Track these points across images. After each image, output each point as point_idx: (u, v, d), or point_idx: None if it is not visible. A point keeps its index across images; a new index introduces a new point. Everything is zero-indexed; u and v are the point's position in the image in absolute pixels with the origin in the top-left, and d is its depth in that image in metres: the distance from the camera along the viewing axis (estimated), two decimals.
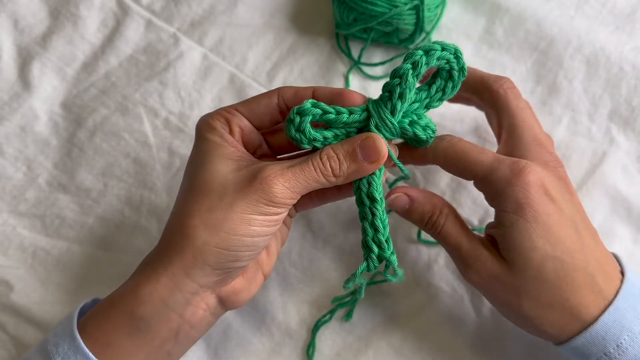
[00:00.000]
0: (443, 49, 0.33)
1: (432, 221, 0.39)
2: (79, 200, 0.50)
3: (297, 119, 0.33)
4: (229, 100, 0.53)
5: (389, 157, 0.36)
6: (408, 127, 0.36)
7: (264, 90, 0.53)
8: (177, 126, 0.52)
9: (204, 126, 0.36)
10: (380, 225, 0.35)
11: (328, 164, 0.34)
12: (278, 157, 0.40)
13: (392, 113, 0.34)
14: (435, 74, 0.36)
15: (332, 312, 0.45)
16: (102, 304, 0.35)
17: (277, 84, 0.54)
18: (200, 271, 0.33)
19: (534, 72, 0.52)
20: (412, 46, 0.46)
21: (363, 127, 0.35)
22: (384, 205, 0.35)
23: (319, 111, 0.33)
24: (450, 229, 0.38)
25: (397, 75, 0.34)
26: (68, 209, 0.50)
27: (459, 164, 0.38)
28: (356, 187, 0.35)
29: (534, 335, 0.38)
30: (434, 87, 0.36)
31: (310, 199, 0.39)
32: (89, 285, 0.48)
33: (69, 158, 0.52)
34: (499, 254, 0.36)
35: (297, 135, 0.34)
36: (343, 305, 0.45)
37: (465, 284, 0.46)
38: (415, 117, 0.36)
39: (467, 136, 0.50)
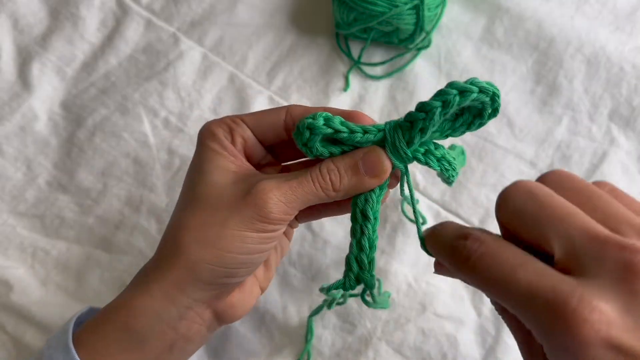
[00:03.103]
0: (480, 91, 0.29)
1: None
2: (78, 200, 0.50)
3: (307, 134, 0.31)
4: (229, 100, 0.53)
5: (395, 178, 0.34)
6: (422, 157, 0.33)
7: (263, 90, 0.53)
8: (176, 126, 0.52)
9: (206, 133, 0.34)
10: (367, 245, 0.33)
11: (328, 177, 0.32)
12: (283, 164, 0.38)
13: (408, 144, 0.32)
14: (465, 107, 0.32)
15: (322, 306, 0.44)
16: (97, 315, 0.35)
17: (277, 83, 0.54)
18: (194, 287, 0.32)
19: (534, 72, 0.52)
20: (409, 45, 0.42)
21: None
22: (377, 225, 0.34)
23: (330, 130, 0.31)
24: None
25: (423, 109, 0.30)
26: (68, 209, 0.50)
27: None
28: (353, 202, 0.34)
29: None
30: (460, 120, 0.33)
31: (311, 212, 0.37)
32: (89, 285, 0.47)
33: (68, 158, 0.52)
34: None
35: (304, 149, 0.32)
36: (317, 311, 0.44)
37: (466, 284, 0.46)
38: (432, 147, 0.33)
39: (466, 136, 0.50)
